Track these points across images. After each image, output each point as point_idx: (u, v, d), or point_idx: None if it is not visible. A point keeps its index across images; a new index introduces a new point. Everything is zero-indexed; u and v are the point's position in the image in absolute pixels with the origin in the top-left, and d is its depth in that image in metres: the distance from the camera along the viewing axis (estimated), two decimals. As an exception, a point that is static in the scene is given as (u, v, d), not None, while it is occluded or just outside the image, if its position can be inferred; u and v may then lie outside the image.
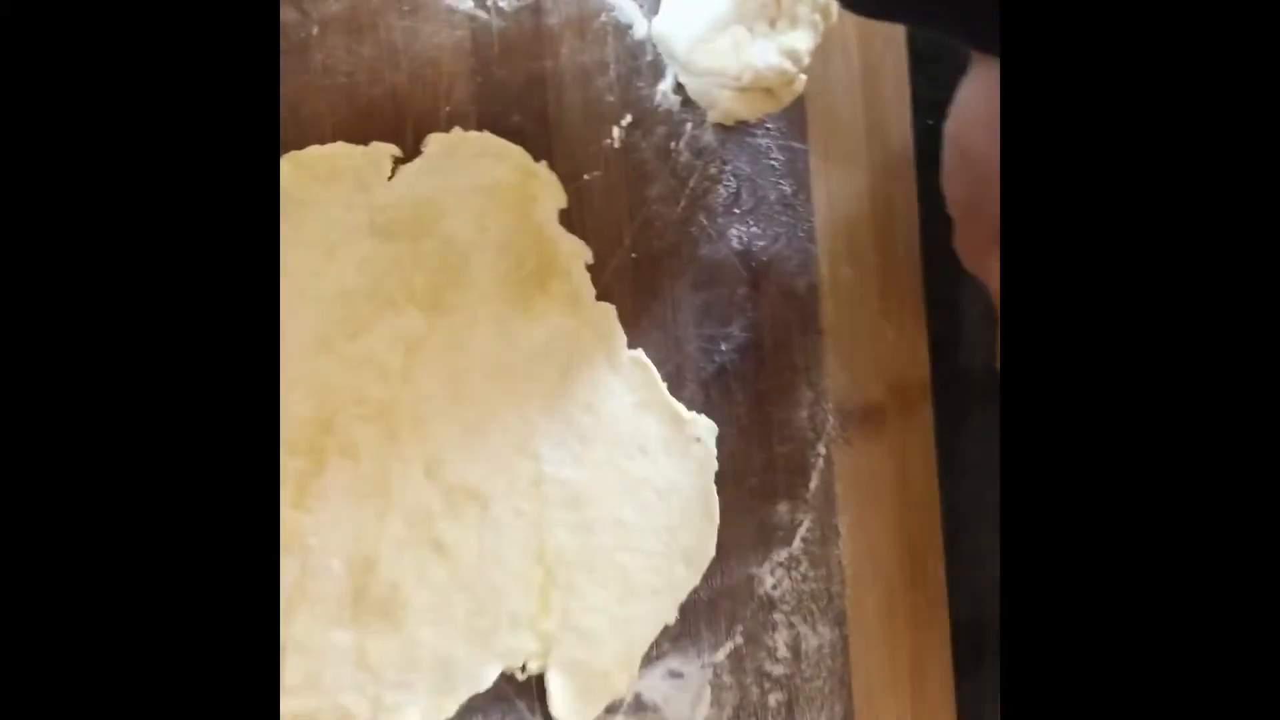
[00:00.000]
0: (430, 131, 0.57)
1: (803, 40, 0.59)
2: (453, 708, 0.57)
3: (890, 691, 0.69)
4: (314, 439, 0.54)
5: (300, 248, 0.54)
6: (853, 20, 0.66)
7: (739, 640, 0.64)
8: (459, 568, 0.57)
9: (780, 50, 0.58)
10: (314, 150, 0.54)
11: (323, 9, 0.55)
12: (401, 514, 0.56)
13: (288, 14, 0.54)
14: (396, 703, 0.55)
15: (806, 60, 0.60)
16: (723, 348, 0.64)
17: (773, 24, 0.58)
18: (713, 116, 0.62)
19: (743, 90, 0.59)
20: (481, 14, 0.58)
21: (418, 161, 0.57)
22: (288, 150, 0.54)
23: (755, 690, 0.65)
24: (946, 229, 0.64)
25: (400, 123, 0.57)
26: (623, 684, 0.60)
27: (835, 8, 0.61)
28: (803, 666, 0.66)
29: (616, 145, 0.61)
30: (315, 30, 0.55)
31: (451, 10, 0.58)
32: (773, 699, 0.65)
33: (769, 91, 0.60)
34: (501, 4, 0.59)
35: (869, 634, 0.68)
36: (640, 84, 0.62)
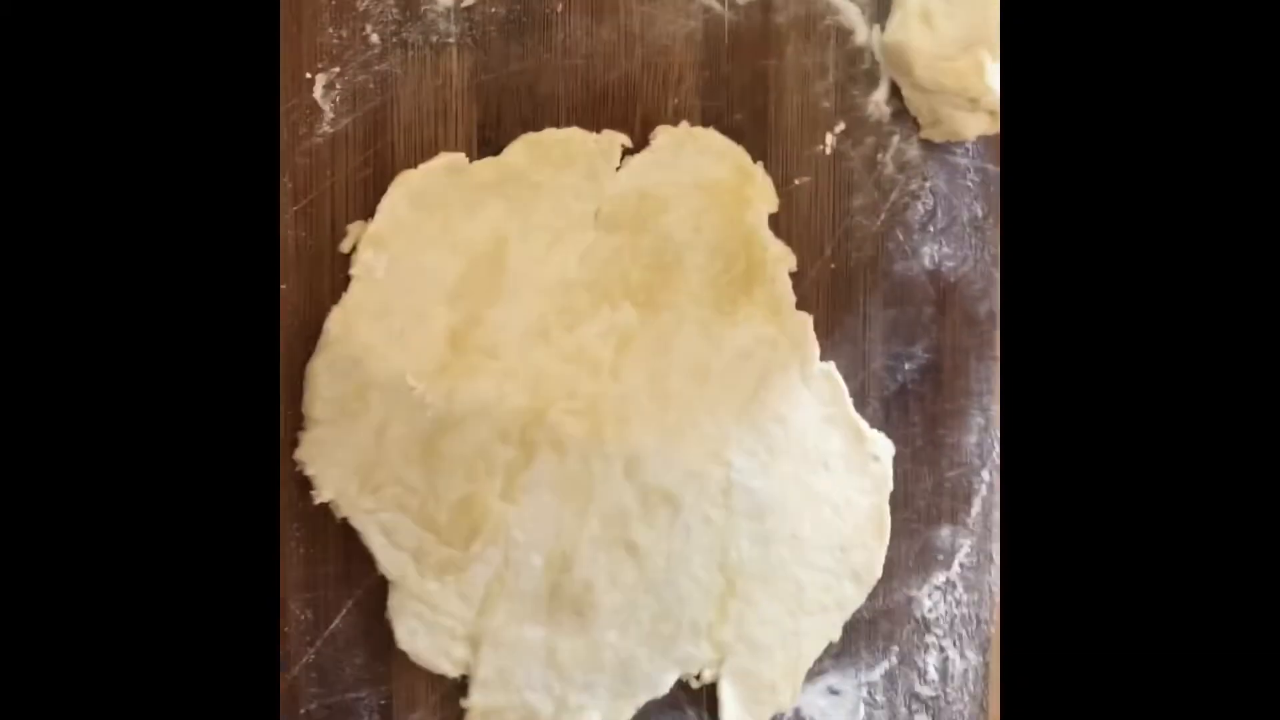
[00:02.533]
0: (657, 123, 0.56)
1: (1035, 65, 0.58)
2: (630, 712, 0.56)
3: None
4: (526, 430, 0.53)
5: (529, 233, 0.52)
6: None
7: (893, 661, 0.64)
8: (648, 571, 0.56)
9: (1015, 74, 0.57)
10: (550, 133, 0.53)
11: (568, -14, 0.53)
12: (600, 513, 0.54)
13: (535, -12, 0.53)
14: (579, 704, 0.55)
15: (1032, 85, 0.59)
16: (906, 367, 0.63)
17: (1012, 46, 0.57)
18: (928, 133, 0.61)
19: (973, 111, 0.58)
20: (716, 5, 0.57)
21: (645, 154, 0.55)
22: (524, 130, 0.53)
23: (904, 710, 0.64)
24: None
25: (629, 111, 0.55)
26: (787, 697, 0.60)
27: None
28: (948, 690, 0.66)
29: (828, 152, 0.60)
30: (559, 7, 0.53)
31: (688, 0, 0.56)
32: (919, 721, 0.65)
33: (993, 114, 0.59)
34: (736, -3, 0.57)
35: (1009, 662, 0.68)
36: (855, 92, 0.61)
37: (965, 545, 0.66)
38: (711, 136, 0.57)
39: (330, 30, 0.49)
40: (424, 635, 0.51)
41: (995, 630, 0.67)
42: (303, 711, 0.50)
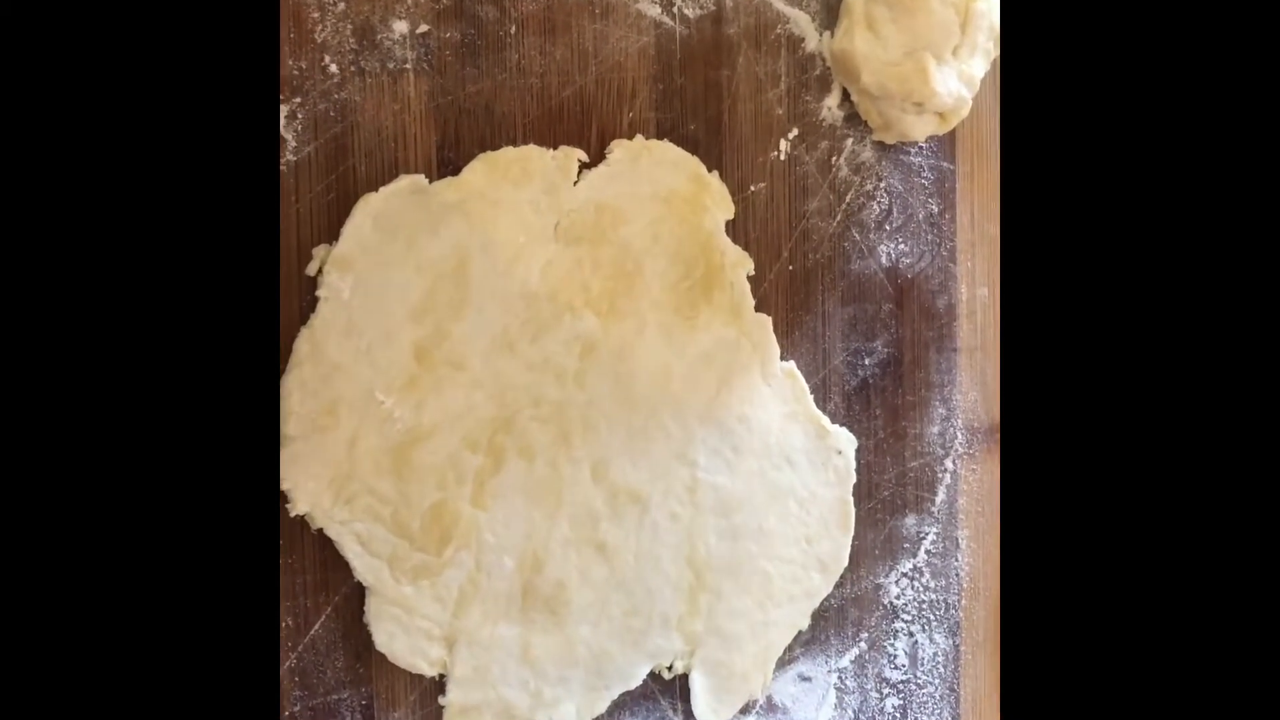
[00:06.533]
0: (613, 136, 0.57)
1: (979, 68, 0.60)
2: (604, 704, 0.58)
3: (993, 699, 0.71)
4: (494, 438, 0.55)
5: (491, 248, 0.54)
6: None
7: (863, 646, 0.66)
8: (618, 568, 0.58)
9: (960, 77, 0.59)
10: (508, 151, 0.55)
11: (521, 7, 0.55)
12: (569, 514, 0.56)
13: (487, 11, 0.54)
14: (554, 697, 0.57)
15: (978, 87, 0.61)
16: (866, 362, 0.65)
17: (955, 52, 0.59)
18: (880, 136, 0.63)
19: (920, 114, 0.60)
20: (667, 20, 0.58)
21: (602, 167, 0.57)
22: (482, 149, 0.54)
23: (875, 695, 0.67)
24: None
25: (585, 126, 0.57)
26: (758, 685, 0.62)
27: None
28: (918, 673, 0.68)
29: (783, 158, 0.62)
30: (513, 29, 0.55)
31: (640, 15, 0.58)
32: (890, 703, 0.67)
33: (941, 115, 0.61)
34: (686, 11, 0.59)
35: (977, 643, 0.70)
36: (808, 98, 0.62)
37: (931, 533, 0.68)
38: (666, 148, 0.58)
39: (290, 62, 0.51)
40: (401, 637, 0.54)
41: (963, 614, 0.69)
42: (287, 714, 0.52)
